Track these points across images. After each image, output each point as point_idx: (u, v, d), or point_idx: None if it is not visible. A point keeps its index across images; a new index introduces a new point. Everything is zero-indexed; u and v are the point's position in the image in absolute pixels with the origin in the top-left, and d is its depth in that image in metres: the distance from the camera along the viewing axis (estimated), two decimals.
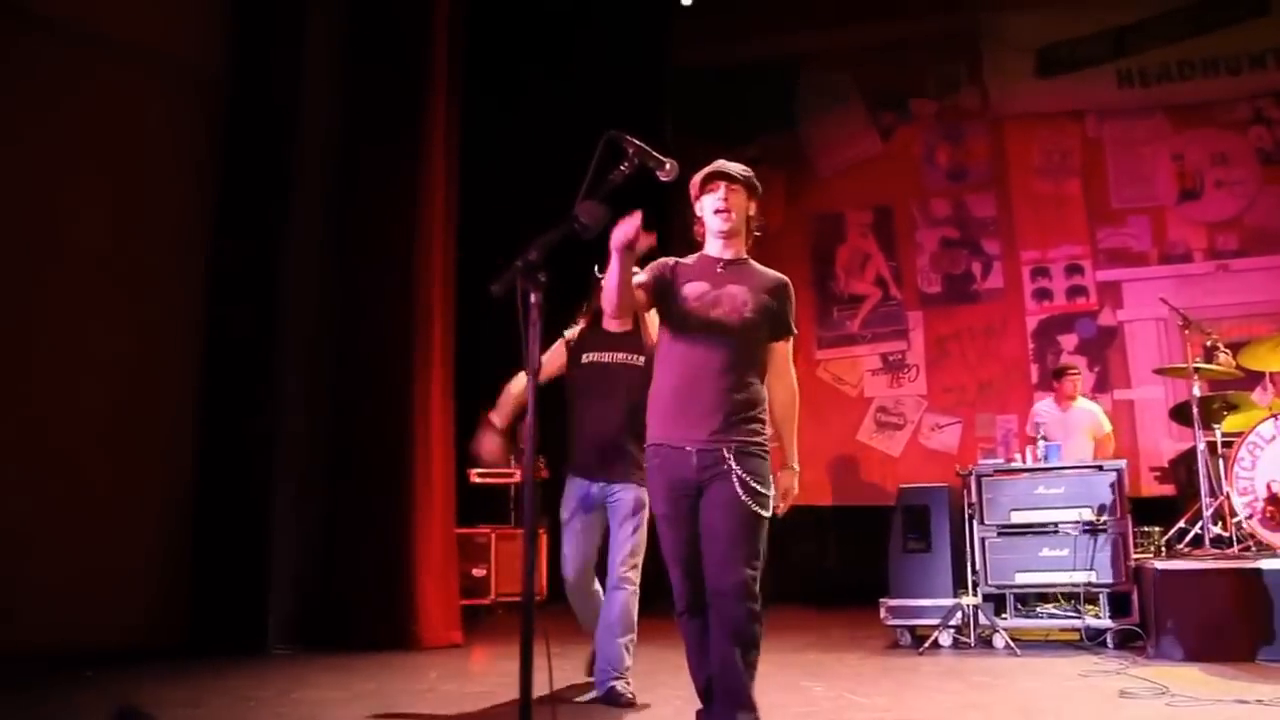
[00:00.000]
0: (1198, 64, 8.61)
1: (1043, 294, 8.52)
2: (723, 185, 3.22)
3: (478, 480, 8.01)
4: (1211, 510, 5.69)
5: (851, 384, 8.75)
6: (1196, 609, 5.08)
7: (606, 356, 4.29)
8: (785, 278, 3.37)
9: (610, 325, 4.31)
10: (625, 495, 4.15)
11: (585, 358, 4.30)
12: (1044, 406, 7.20)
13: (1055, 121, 8.73)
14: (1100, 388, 8.12)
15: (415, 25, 6.53)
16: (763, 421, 3.16)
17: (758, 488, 3.04)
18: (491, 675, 5.20)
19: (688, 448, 3.09)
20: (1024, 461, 6.02)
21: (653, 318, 3.60)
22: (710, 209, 3.21)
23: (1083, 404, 7.20)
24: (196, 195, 6.48)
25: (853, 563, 8.16)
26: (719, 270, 3.24)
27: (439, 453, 6.38)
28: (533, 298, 2.56)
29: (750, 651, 3.04)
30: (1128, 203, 8.51)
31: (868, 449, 8.58)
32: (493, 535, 8.06)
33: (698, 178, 3.26)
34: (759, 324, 3.21)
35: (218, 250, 6.45)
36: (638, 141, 2.91)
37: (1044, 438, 6.14)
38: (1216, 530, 5.67)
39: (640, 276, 3.20)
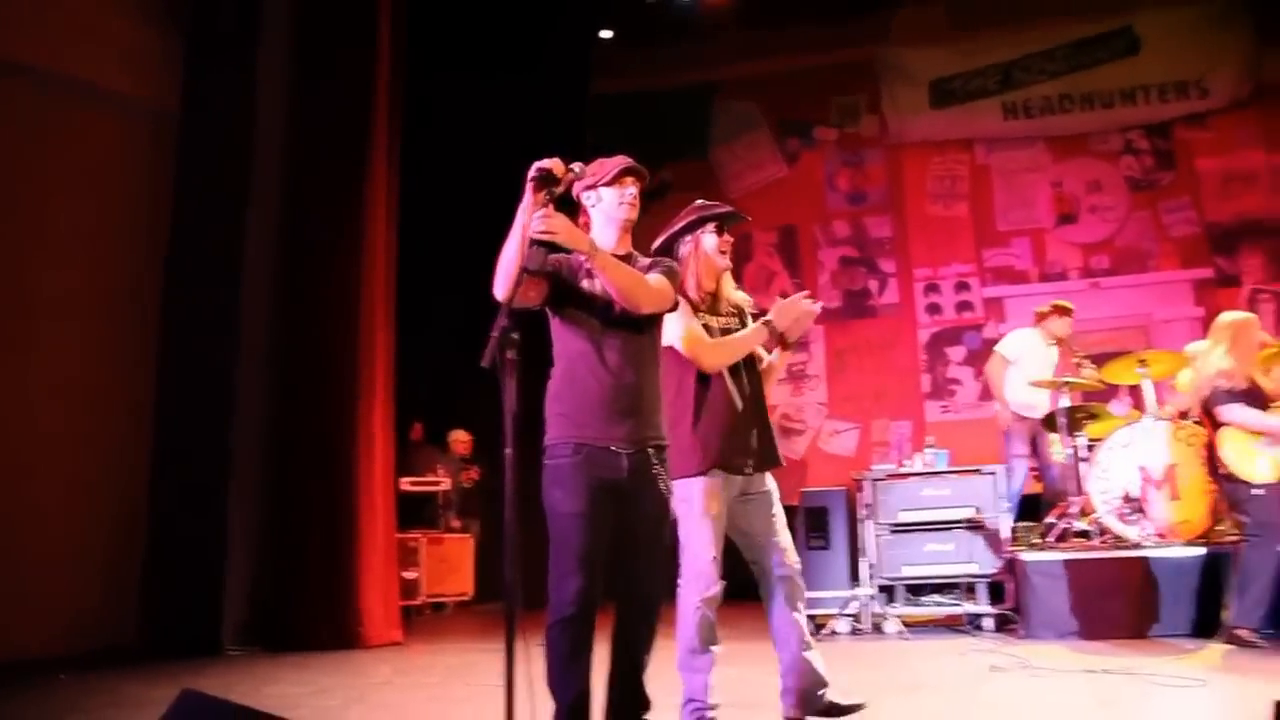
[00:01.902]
0: (1076, 99, 9.25)
1: (933, 309, 9.05)
2: (633, 180, 3.22)
3: (408, 488, 8.27)
4: (1076, 508, 6.32)
5: None
6: (1062, 594, 5.70)
7: (720, 322, 3.56)
8: (671, 262, 3.33)
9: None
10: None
11: (702, 319, 3.50)
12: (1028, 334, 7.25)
13: (947, 150, 9.28)
14: (985, 396, 8.69)
15: (359, 58, 6.75)
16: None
17: (671, 489, 3.18)
18: (437, 669, 5.52)
19: (615, 448, 3.05)
20: (911, 466, 6.60)
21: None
22: (621, 201, 3.17)
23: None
24: (151, 222, 6.64)
25: None
26: None
27: (380, 461, 6.60)
28: (510, 354, 2.65)
29: (651, 648, 3.18)
30: (1011, 225, 9.11)
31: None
32: (423, 540, 8.34)
33: (606, 170, 3.19)
34: (656, 320, 3.22)
35: (172, 272, 6.61)
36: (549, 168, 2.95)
37: (932, 444, 6.72)
38: (1080, 525, 6.29)
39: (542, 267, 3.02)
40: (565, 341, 3.14)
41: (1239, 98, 8.96)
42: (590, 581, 2.98)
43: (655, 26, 9.53)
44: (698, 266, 3.49)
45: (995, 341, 8.75)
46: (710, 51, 9.63)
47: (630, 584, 3.13)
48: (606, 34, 9.61)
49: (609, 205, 3.20)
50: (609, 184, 3.19)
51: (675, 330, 3.38)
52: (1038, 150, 9.22)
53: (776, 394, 9.02)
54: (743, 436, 3.44)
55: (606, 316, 3.11)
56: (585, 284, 3.15)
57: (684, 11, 9.29)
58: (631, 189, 3.21)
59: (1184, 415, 6.14)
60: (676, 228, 3.55)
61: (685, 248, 3.52)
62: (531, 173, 2.94)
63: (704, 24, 9.34)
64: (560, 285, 3.12)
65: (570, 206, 3.16)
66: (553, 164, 2.98)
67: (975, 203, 9.21)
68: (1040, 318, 7.06)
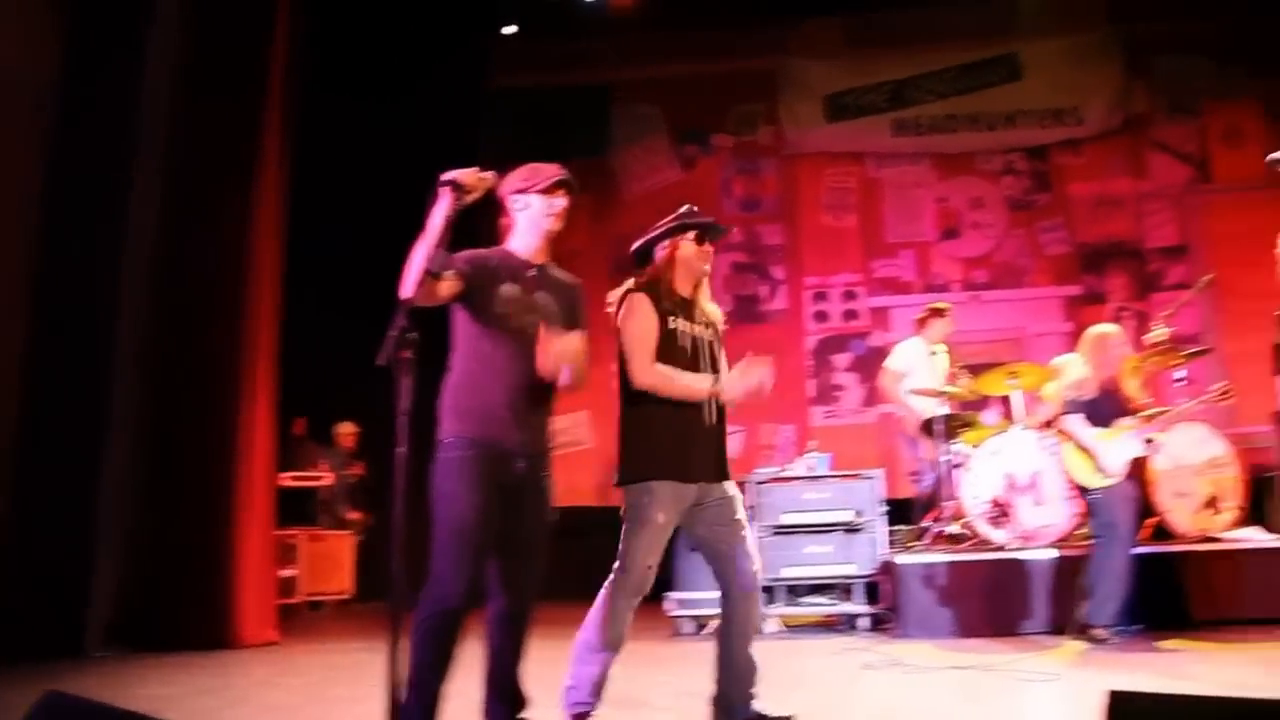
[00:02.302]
0: (962, 119, 9.65)
1: (821, 316, 9.30)
2: (563, 193, 3.25)
3: (289, 483, 8.13)
4: (949, 512, 6.61)
5: None
6: (933, 594, 5.94)
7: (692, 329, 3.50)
8: (579, 281, 3.44)
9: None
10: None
11: (673, 323, 3.44)
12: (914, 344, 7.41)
13: (839, 162, 9.55)
14: (869, 402, 9.00)
15: (253, 47, 6.61)
16: None
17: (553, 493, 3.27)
18: (316, 668, 5.44)
19: (513, 451, 3.12)
20: (795, 469, 6.78)
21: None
22: (549, 212, 3.20)
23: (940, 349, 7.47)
24: (23, 210, 6.29)
25: None
26: (530, 275, 3.23)
27: (261, 456, 6.47)
28: (406, 354, 2.67)
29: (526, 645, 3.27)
30: (898, 238, 9.43)
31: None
32: (302, 537, 8.19)
33: (540, 179, 3.20)
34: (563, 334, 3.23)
35: (44, 258, 6.29)
36: (463, 179, 2.96)
37: (814, 449, 6.92)
38: (952, 529, 6.58)
39: (454, 268, 3.05)
40: (473, 341, 3.15)
41: (1109, 127, 9.47)
42: (478, 578, 3.03)
43: (559, 24, 9.55)
44: (673, 272, 3.47)
45: (880, 349, 9.09)
46: (613, 52, 9.67)
47: (514, 586, 3.19)
48: (510, 29, 9.59)
49: (536, 213, 3.22)
50: (541, 192, 3.21)
51: (627, 326, 3.41)
52: (925, 167, 9.56)
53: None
54: (703, 448, 3.42)
55: (520, 323, 3.15)
56: (504, 288, 3.16)
57: (588, 11, 9.33)
58: (561, 200, 3.24)
59: (1049, 425, 6.46)
60: (656, 232, 3.54)
61: (662, 252, 3.51)
62: (445, 178, 2.95)
63: (608, 24, 9.38)
64: (476, 286, 3.12)
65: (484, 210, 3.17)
66: (467, 176, 2.97)
67: (864, 215, 9.49)
68: (920, 324, 7.32)
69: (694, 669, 5.10)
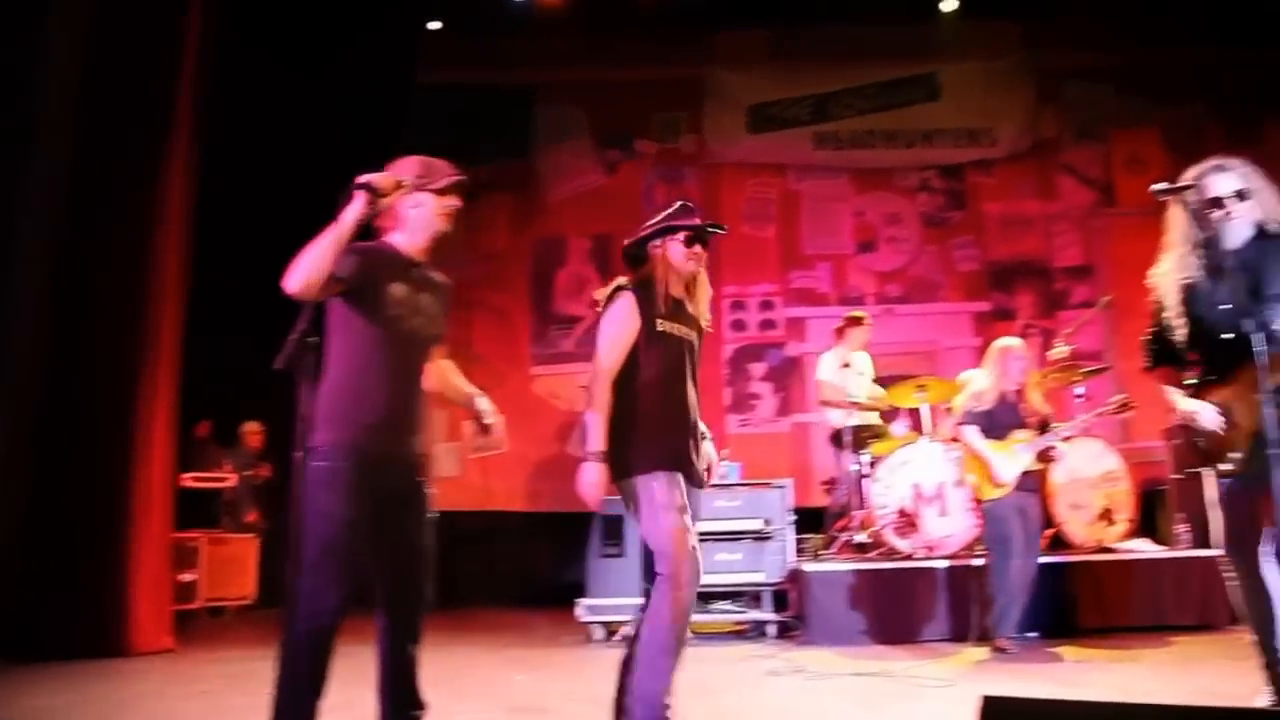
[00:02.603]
0: (880, 135, 9.82)
1: (738, 325, 9.37)
2: (458, 195, 3.19)
3: (191, 484, 7.95)
4: (857, 521, 6.73)
5: (564, 399, 9.15)
6: (840, 602, 6.06)
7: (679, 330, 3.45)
8: (449, 281, 3.34)
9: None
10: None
11: (660, 325, 3.40)
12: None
13: (760, 173, 9.63)
14: (783, 411, 9.12)
15: (166, 31, 6.43)
16: None
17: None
18: (212, 677, 5.28)
19: (396, 460, 3.07)
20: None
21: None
22: (444, 212, 3.15)
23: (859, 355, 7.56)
24: None
25: (560, 565, 8.61)
26: (414, 274, 3.17)
27: (161, 457, 6.29)
28: (307, 357, 2.67)
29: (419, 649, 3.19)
30: (816, 250, 9.56)
31: (575, 460, 8.82)
32: (204, 540, 7.98)
33: (436, 177, 3.14)
34: (441, 337, 3.27)
35: None
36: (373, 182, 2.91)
37: (725, 457, 6.98)
38: (860, 538, 6.71)
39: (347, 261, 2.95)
40: (357, 344, 3.04)
41: (1020, 149, 9.75)
42: (349, 593, 2.93)
43: (486, 22, 9.51)
44: (664, 273, 3.43)
45: (795, 359, 9.25)
46: (539, 53, 9.62)
47: (400, 596, 3.13)
48: (435, 25, 9.51)
49: (428, 212, 3.14)
50: (437, 191, 3.13)
51: (603, 323, 3.40)
52: (844, 181, 9.72)
53: (582, 401, 9.14)
54: (690, 447, 3.40)
55: (405, 328, 3.09)
56: (393, 288, 3.07)
57: (516, 10, 9.30)
58: (455, 202, 3.18)
59: (955, 438, 6.63)
60: (647, 231, 3.50)
61: (654, 251, 3.47)
62: (360, 181, 2.88)
63: (535, 24, 9.37)
64: (364, 283, 3.03)
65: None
66: (382, 181, 2.93)
67: (783, 226, 9.59)
68: (839, 334, 7.44)
69: (599, 675, 5.13)
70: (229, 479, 8.51)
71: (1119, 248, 9.39)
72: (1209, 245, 3.37)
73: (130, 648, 5.86)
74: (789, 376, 9.24)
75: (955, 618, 6.02)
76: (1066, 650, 5.46)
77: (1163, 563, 6.29)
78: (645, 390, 3.33)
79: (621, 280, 3.48)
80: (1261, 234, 3.34)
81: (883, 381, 7.30)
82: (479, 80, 9.61)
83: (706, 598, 6.53)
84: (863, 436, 6.94)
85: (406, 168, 3.11)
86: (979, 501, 5.75)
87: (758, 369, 9.30)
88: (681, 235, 3.43)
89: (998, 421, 5.62)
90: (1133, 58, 9.66)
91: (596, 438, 3.30)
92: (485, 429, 3.35)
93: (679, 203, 3.56)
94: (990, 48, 9.82)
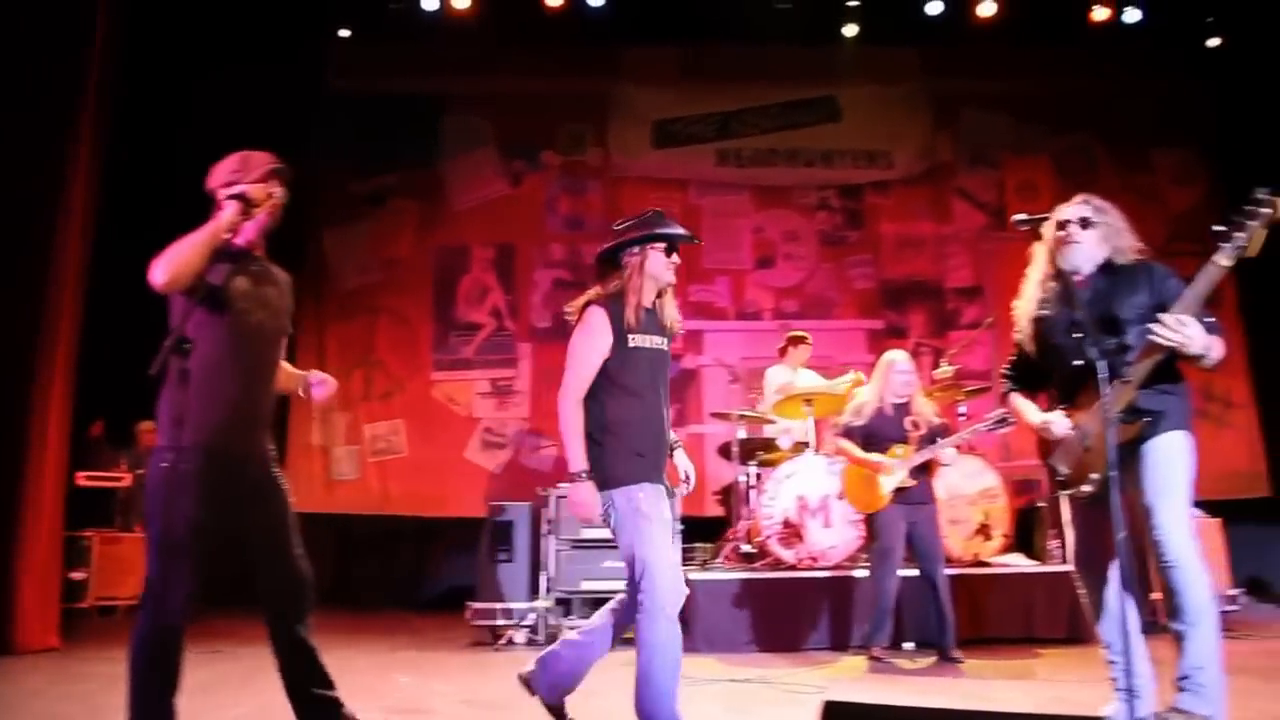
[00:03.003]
0: (782, 154, 10.03)
1: None
2: (279, 181, 3.15)
3: (85, 483, 7.78)
4: (744, 531, 6.86)
5: (462, 405, 9.18)
6: (723, 610, 6.17)
7: (651, 341, 3.47)
8: (289, 276, 3.34)
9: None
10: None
11: (633, 340, 3.42)
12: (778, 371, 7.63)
13: (663, 187, 9.69)
14: (679, 422, 9.22)
15: (72, 31, 6.31)
16: None
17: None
18: (98, 677, 5.13)
19: (244, 458, 3.06)
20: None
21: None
22: (264, 201, 3.11)
23: (804, 373, 7.75)
24: None
25: (454, 570, 8.62)
26: (254, 268, 3.15)
27: (54, 455, 6.19)
28: (180, 364, 2.70)
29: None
30: (715, 264, 9.69)
31: (473, 465, 8.99)
32: (96, 539, 7.86)
33: (252, 168, 3.11)
34: (286, 330, 3.26)
35: None
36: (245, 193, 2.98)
37: None
38: (746, 548, 6.83)
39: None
40: (206, 343, 3.01)
41: (916, 172, 10.05)
42: (188, 584, 2.93)
43: (396, 31, 9.44)
44: (639, 282, 3.43)
45: (691, 372, 9.37)
46: (448, 63, 9.60)
47: (274, 592, 3.13)
48: (345, 33, 9.43)
49: (251, 205, 3.09)
50: (254, 183, 3.08)
51: (576, 338, 3.41)
52: (745, 197, 9.88)
53: (480, 407, 9.17)
54: (665, 457, 3.47)
55: (250, 323, 3.09)
56: (237, 282, 3.06)
57: (426, 19, 9.26)
58: (277, 189, 3.15)
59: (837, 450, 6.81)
60: (624, 239, 3.48)
61: (630, 259, 3.46)
62: (234, 191, 2.95)
63: (445, 34, 9.34)
64: (216, 288, 3.02)
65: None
66: (256, 192, 2.99)
67: None
68: (783, 352, 7.62)
69: (482, 678, 5.16)
70: (124, 478, 8.33)
71: (1008, 270, 9.60)
72: (1062, 276, 3.51)
73: (15, 645, 5.78)
74: (685, 389, 9.35)
75: (836, 627, 6.17)
76: (936, 661, 5.63)
77: (1034, 577, 6.53)
78: (620, 403, 3.35)
79: (592, 294, 3.49)
80: (1110, 267, 3.49)
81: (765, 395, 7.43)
82: (388, 89, 9.54)
83: (595, 603, 6.59)
84: (750, 449, 7.08)
85: (225, 166, 3.13)
86: (864, 513, 5.90)
87: None
88: (662, 245, 3.44)
89: (877, 434, 5.76)
90: (1026, 88, 10.04)
91: (578, 457, 3.32)
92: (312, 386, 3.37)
93: (651, 210, 3.55)
94: (889, 73, 10.10)
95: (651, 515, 3.30)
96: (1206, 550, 6.74)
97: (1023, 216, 3.51)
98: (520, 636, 6.40)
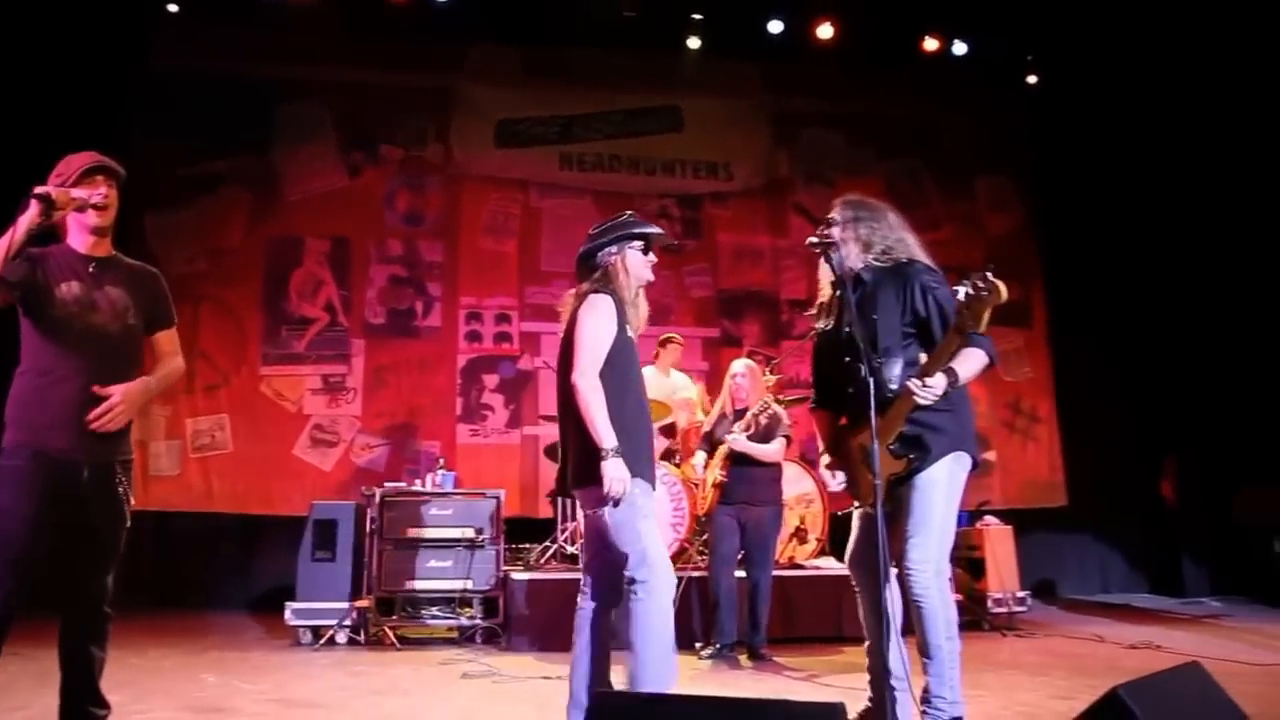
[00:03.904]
0: (624, 160, 10.14)
1: (474, 336, 9.38)
2: (103, 180, 3.11)
3: None
4: (569, 532, 6.95)
5: (292, 401, 8.95)
6: (542, 610, 6.24)
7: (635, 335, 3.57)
8: (155, 270, 3.35)
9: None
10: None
11: (629, 331, 3.51)
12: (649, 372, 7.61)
13: (505, 188, 9.69)
14: (514, 423, 9.25)
15: None
16: None
17: (131, 501, 3.20)
18: None
19: (79, 462, 3.04)
20: (423, 486, 6.89)
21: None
22: (89, 202, 3.06)
23: (675, 374, 7.91)
24: None
25: (278, 569, 8.37)
26: (91, 270, 3.12)
27: None
28: None
29: (106, 650, 3.19)
30: (554, 267, 9.67)
31: (302, 463, 8.79)
32: None
33: (72, 169, 3.07)
34: (140, 327, 3.22)
35: None
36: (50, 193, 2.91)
37: (441, 466, 7.06)
38: (572, 548, 6.92)
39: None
40: (34, 345, 3.06)
41: (754, 186, 10.35)
42: (18, 587, 2.94)
43: (229, 11, 9.12)
44: (625, 280, 3.47)
45: (528, 373, 9.39)
46: (287, 48, 9.29)
47: (82, 596, 3.11)
48: (173, 8, 9.03)
49: (85, 214, 3.09)
50: (75, 184, 3.05)
51: (588, 321, 3.35)
52: (586, 202, 9.93)
53: (310, 404, 8.97)
54: (653, 452, 3.48)
55: (82, 326, 3.06)
56: (63, 288, 3.05)
57: (266, 2, 8.97)
58: (103, 188, 3.10)
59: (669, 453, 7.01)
60: (604, 239, 3.49)
61: (611, 258, 3.47)
62: (37, 191, 2.89)
63: (285, 18, 9.06)
64: (33, 288, 3.03)
65: None
66: (59, 193, 2.93)
67: (524, 241, 9.68)
68: (657, 355, 7.76)
69: (292, 677, 5.08)
70: None
71: None
72: (839, 284, 3.64)
73: None
74: (522, 389, 9.36)
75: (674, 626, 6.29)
76: (745, 659, 5.85)
77: (844, 579, 6.78)
78: (615, 396, 3.32)
79: (588, 285, 3.49)
80: (871, 269, 3.60)
81: None
82: (221, 70, 9.15)
83: (417, 603, 6.59)
84: None
85: (53, 173, 3.08)
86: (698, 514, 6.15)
87: (491, 380, 9.36)
88: (639, 243, 3.50)
89: (718, 437, 6.05)
90: (860, 110, 10.47)
91: (608, 434, 3.21)
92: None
93: (628, 212, 3.64)
94: (732, 87, 10.36)
95: (646, 510, 3.32)
96: (998, 555, 7.29)
97: (814, 239, 3.68)
98: (342, 636, 6.32)
